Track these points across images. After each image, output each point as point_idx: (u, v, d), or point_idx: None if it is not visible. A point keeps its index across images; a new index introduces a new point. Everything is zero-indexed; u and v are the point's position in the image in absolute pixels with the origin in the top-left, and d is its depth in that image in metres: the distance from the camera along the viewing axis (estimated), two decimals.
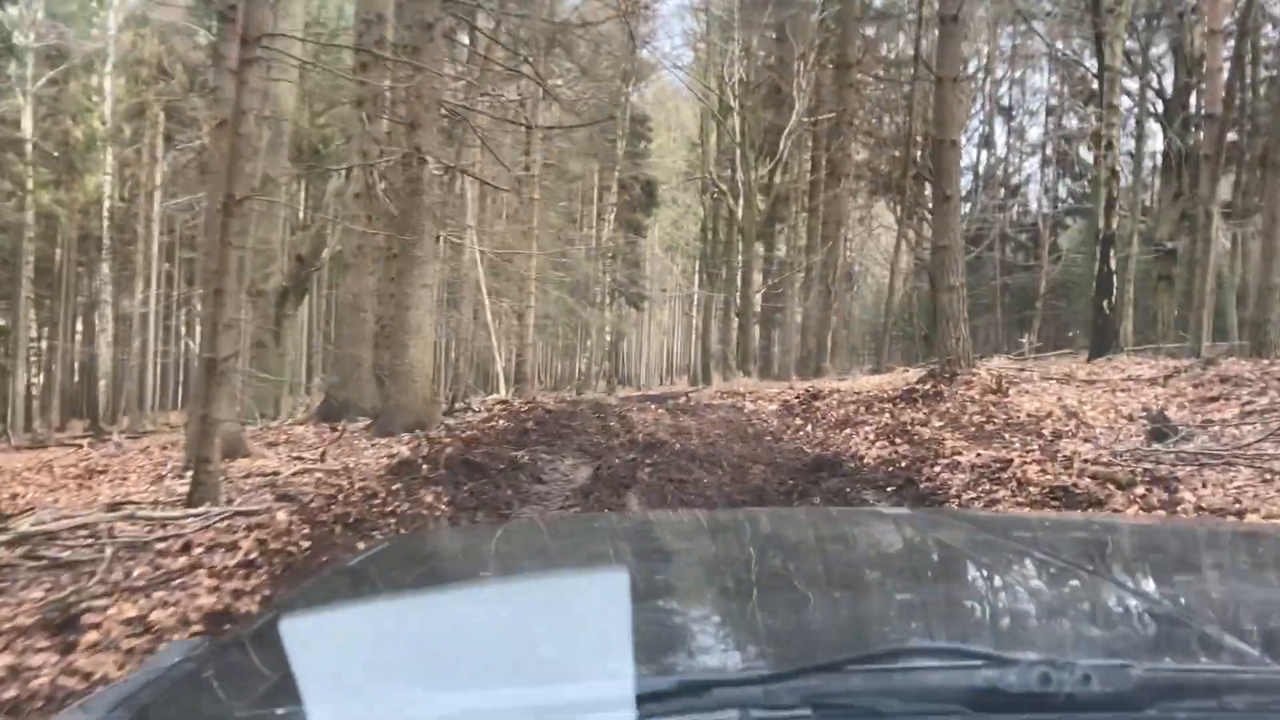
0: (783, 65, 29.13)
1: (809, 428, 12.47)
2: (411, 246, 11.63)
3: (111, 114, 30.35)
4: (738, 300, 27.51)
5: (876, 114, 32.92)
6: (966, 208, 32.70)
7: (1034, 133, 42.31)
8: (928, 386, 12.87)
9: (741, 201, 28.20)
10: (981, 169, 40.33)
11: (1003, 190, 40.57)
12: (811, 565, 1.67)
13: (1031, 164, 43.04)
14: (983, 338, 28.51)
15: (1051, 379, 13.39)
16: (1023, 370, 15.14)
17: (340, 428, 13.11)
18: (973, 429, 10.15)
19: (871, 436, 10.42)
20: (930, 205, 28.37)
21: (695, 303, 61.67)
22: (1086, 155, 39.62)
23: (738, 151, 28.65)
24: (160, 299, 29.96)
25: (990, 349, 27.53)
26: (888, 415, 11.95)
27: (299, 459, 10.00)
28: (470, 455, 8.51)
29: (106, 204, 30.61)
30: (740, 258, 29.05)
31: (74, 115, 29.23)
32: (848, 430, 11.39)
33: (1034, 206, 42.07)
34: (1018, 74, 40.21)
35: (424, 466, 7.80)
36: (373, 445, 11.30)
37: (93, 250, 31.72)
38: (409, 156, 11.31)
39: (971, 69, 33.13)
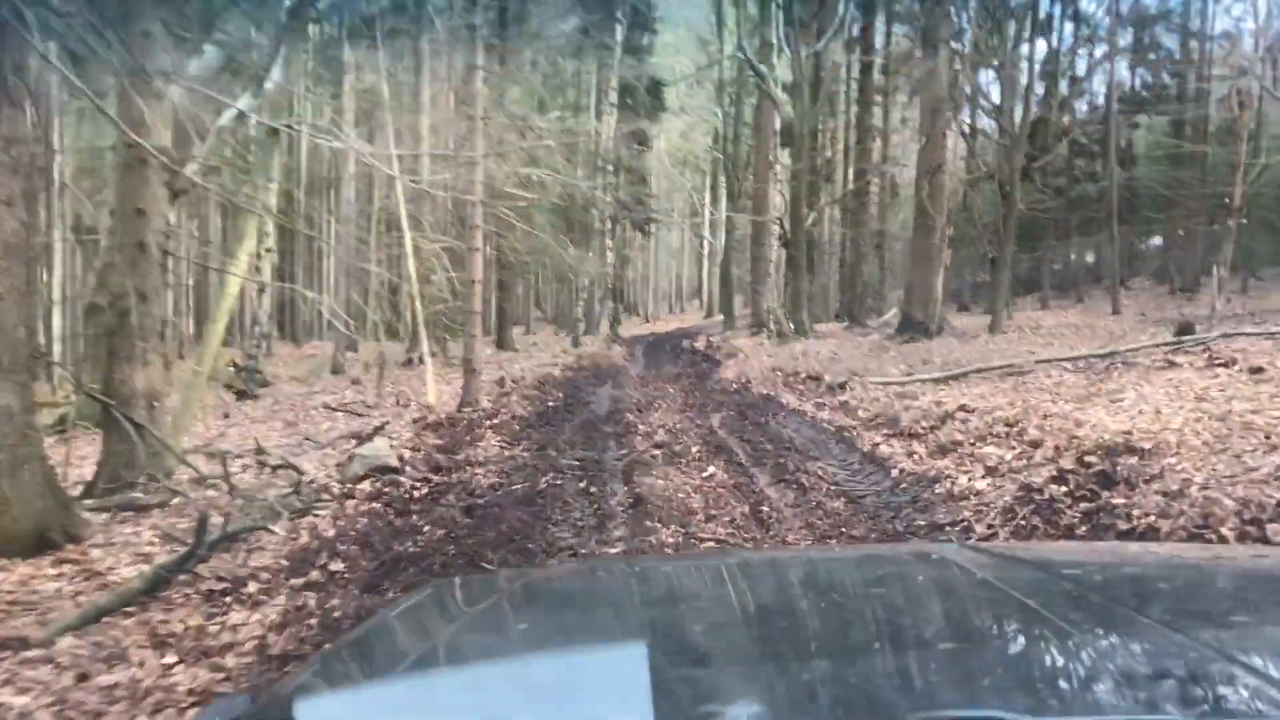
0: None
1: None
2: None
3: None
4: (783, 225, 21.09)
5: None
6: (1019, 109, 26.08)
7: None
8: None
9: (778, 89, 21.61)
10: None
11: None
12: (842, 615, 1.56)
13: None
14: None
15: None
16: None
17: None
18: None
19: None
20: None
21: (708, 224, 55.77)
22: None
23: (778, 14, 21.99)
24: None
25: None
26: None
27: None
28: None
29: None
30: (774, 169, 22.62)
31: None
32: None
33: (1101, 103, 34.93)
34: None
35: None
36: None
37: None
38: None
39: None
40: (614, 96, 33.23)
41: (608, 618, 1.67)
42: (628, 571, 2.20)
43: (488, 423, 10.01)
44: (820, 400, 11.54)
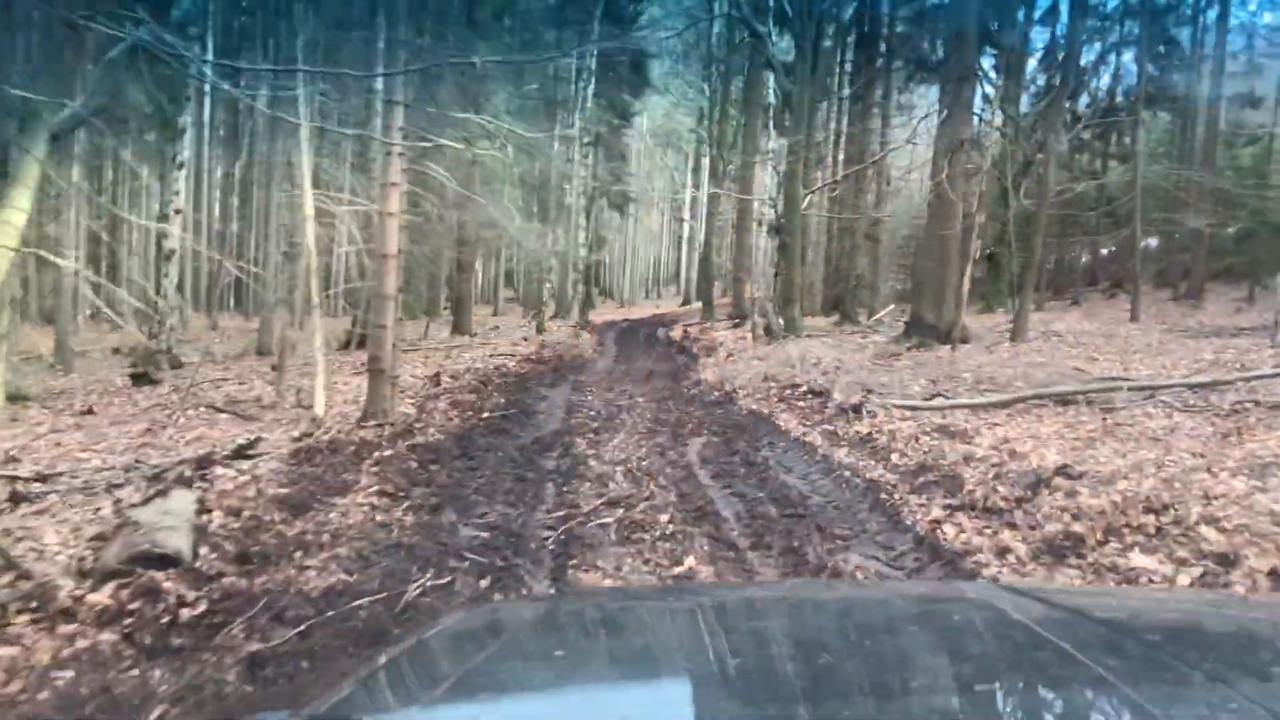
0: None
1: None
2: None
3: None
4: (776, 207, 18.28)
5: None
6: (1026, 100, 23.36)
7: None
8: None
9: (790, 50, 18.76)
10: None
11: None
12: (882, 655, 1.50)
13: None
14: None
15: None
16: None
17: None
18: None
19: None
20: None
21: (689, 207, 53.29)
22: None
23: None
24: None
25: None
26: None
27: None
28: None
29: None
30: (772, 143, 19.83)
31: None
32: None
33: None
34: None
35: None
36: None
37: None
38: None
39: None
40: (592, 63, 30.46)
41: (651, 647, 1.66)
42: (675, 602, 2.14)
43: (381, 451, 7.25)
44: (831, 428, 8.84)
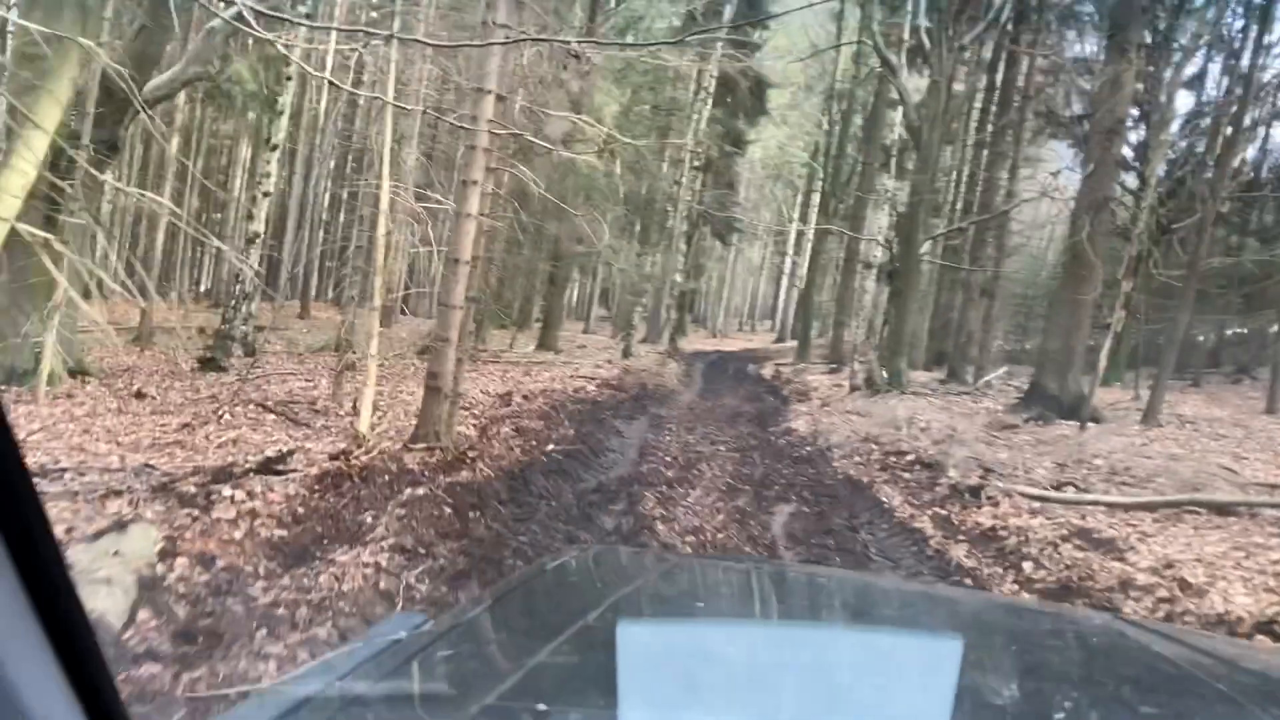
0: None
1: None
2: None
3: None
4: (893, 249, 16.87)
5: None
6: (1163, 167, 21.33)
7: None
8: None
9: (922, 80, 17.44)
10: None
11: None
12: (1006, 671, 1.49)
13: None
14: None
15: None
16: None
17: None
18: None
19: None
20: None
21: (793, 242, 51.94)
22: None
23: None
24: None
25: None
26: None
27: None
28: None
29: None
30: (890, 183, 18.45)
31: None
32: None
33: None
34: None
35: None
36: None
37: None
38: None
39: None
40: (710, 84, 29.48)
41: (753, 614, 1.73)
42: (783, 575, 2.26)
43: (416, 489, 6.22)
44: (944, 512, 7.53)
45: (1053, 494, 7.93)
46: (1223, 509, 7.88)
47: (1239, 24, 20.98)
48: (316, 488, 6.01)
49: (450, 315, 7.96)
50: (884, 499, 8.16)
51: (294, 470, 6.78)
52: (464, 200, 7.95)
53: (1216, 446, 13.14)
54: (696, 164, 29.53)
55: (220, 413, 9.91)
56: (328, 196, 27.60)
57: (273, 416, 10.01)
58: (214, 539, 4.42)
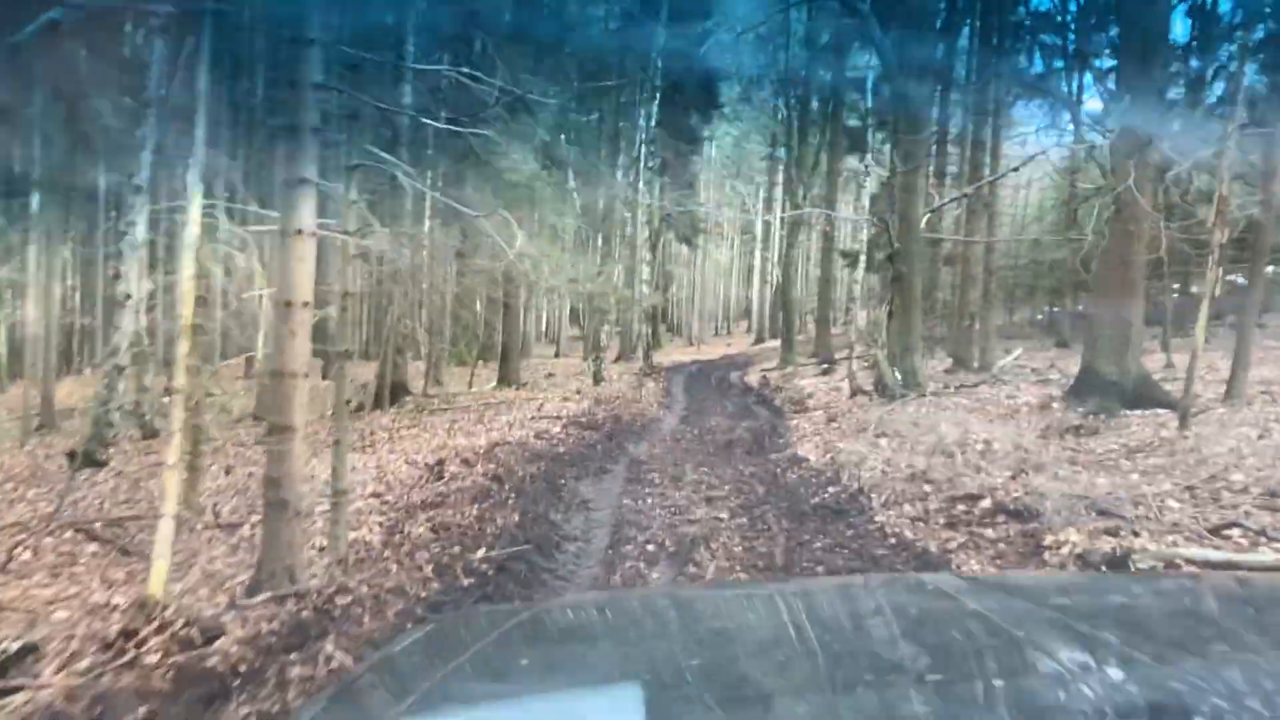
0: None
1: None
2: None
3: None
4: (890, 229, 14.05)
5: None
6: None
7: None
8: None
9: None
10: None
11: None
12: (837, 648, 1.54)
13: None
14: None
15: None
16: None
17: None
18: None
19: None
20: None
21: (759, 239, 49.50)
22: None
23: None
24: None
25: None
26: None
27: None
28: None
29: None
30: (868, 158, 15.73)
31: None
32: None
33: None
34: None
35: None
36: None
37: None
38: None
39: None
40: (657, 79, 26.87)
41: (611, 653, 1.65)
42: (637, 605, 2.16)
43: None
44: None
45: (1245, 558, 5.17)
46: None
47: None
48: None
49: (286, 387, 5.12)
50: None
51: (21, 685, 3.97)
52: (289, 210, 5.13)
53: None
54: (651, 165, 26.83)
55: (17, 548, 7.01)
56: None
57: (94, 546, 7.14)
58: None
